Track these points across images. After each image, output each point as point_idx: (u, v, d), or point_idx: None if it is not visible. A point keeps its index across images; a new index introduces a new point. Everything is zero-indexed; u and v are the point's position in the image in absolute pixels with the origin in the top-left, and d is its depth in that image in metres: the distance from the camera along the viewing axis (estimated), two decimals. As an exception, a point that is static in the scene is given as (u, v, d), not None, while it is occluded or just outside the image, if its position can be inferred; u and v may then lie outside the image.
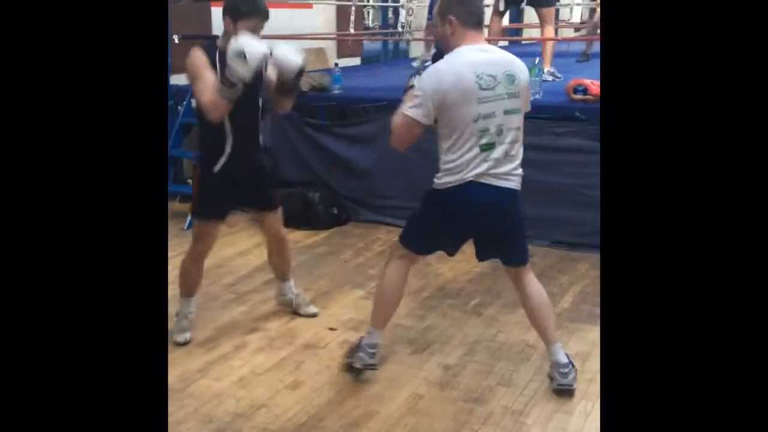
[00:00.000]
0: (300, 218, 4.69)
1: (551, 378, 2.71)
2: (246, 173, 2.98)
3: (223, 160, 2.90)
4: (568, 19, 11.48)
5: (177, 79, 5.10)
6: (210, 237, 3.03)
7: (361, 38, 7.78)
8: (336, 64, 5.57)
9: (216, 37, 2.87)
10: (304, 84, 4.97)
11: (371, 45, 8.49)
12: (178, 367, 2.86)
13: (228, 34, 2.77)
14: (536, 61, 4.39)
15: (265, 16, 2.82)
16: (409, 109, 2.45)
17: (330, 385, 2.74)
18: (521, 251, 2.73)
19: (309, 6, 7.32)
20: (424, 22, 7.19)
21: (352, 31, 6.83)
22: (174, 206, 5.16)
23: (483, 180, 2.47)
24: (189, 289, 3.12)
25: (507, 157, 2.50)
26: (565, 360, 2.68)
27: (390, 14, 10.34)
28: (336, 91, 4.97)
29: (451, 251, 2.78)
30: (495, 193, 2.51)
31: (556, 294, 3.61)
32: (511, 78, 2.46)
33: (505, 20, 7.35)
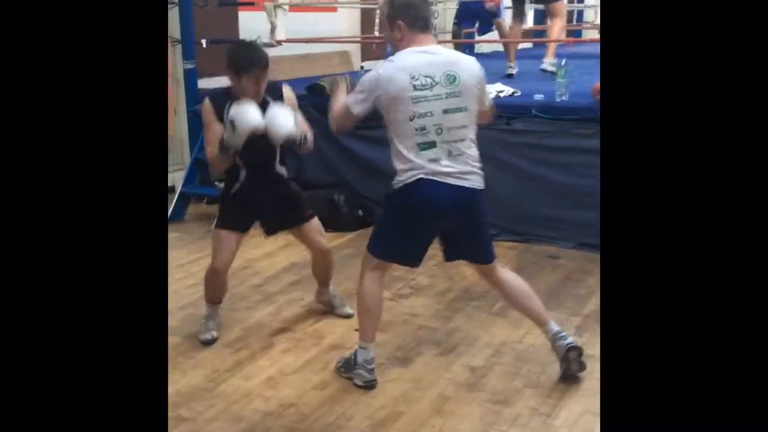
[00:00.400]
0: (325, 220, 4.68)
1: (557, 349, 2.76)
2: (264, 201, 3.06)
3: (237, 187, 3.03)
4: (593, 21, 11.40)
5: (205, 83, 5.17)
6: (226, 251, 3.05)
7: (376, 41, 7.80)
8: (362, 67, 5.59)
9: (228, 88, 2.98)
10: (329, 87, 5.02)
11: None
12: (207, 366, 2.90)
13: (234, 87, 2.89)
14: (563, 63, 4.38)
15: (265, 66, 2.87)
16: (349, 97, 2.62)
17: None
18: (486, 251, 2.76)
19: (333, 10, 7.37)
20: (449, 24, 7.20)
21: (377, 33, 6.85)
22: (202, 208, 5.23)
23: (435, 178, 2.52)
24: (213, 297, 3.19)
25: (451, 156, 2.53)
26: (560, 328, 2.79)
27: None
28: (361, 94, 4.98)
29: (413, 259, 2.77)
30: (450, 191, 2.54)
31: (583, 296, 3.60)
32: (451, 78, 2.52)
33: (530, 22, 7.33)
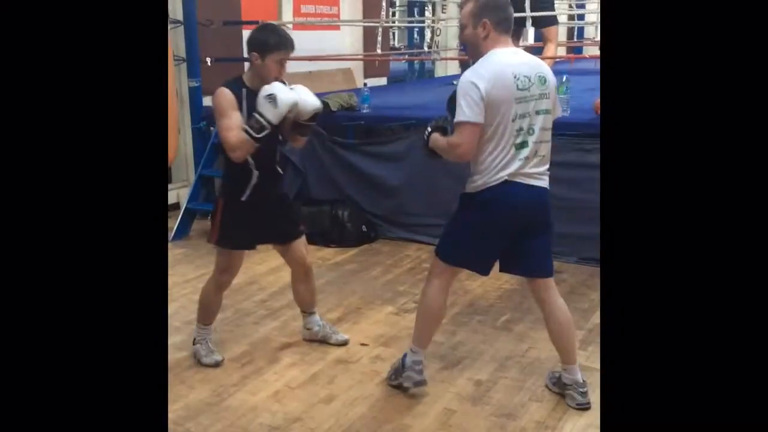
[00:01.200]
0: (329, 236, 4.76)
1: (568, 396, 2.72)
2: (271, 202, 2.98)
3: (249, 190, 2.89)
4: (594, 38, 11.48)
5: (209, 101, 5.21)
6: (235, 267, 3.02)
7: (388, 59, 7.88)
8: (365, 84, 5.65)
9: (239, 78, 2.87)
10: (334, 104, 5.07)
11: (397, 65, 8.59)
12: (214, 381, 2.92)
13: (256, 68, 2.80)
14: (563, 79, 4.42)
15: (292, 47, 2.83)
16: (464, 114, 2.44)
17: (363, 399, 2.77)
18: (548, 261, 2.72)
19: (336, 28, 7.45)
20: (450, 42, 7.28)
21: (379, 51, 6.92)
22: (207, 224, 5.25)
23: (518, 179, 2.52)
24: (208, 317, 3.11)
25: (536, 156, 2.54)
26: (582, 380, 2.72)
27: (416, 35, 10.44)
28: (365, 111, 5.04)
29: (486, 266, 2.69)
30: (530, 191, 2.55)
31: (586, 310, 3.62)
32: (542, 79, 2.53)
33: (530, 39, 7.41)
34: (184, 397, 2.79)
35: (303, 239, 3.12)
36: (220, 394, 2.83)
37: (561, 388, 2.76)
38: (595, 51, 10.13)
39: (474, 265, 2.72)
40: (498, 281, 3.97)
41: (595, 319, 3.50)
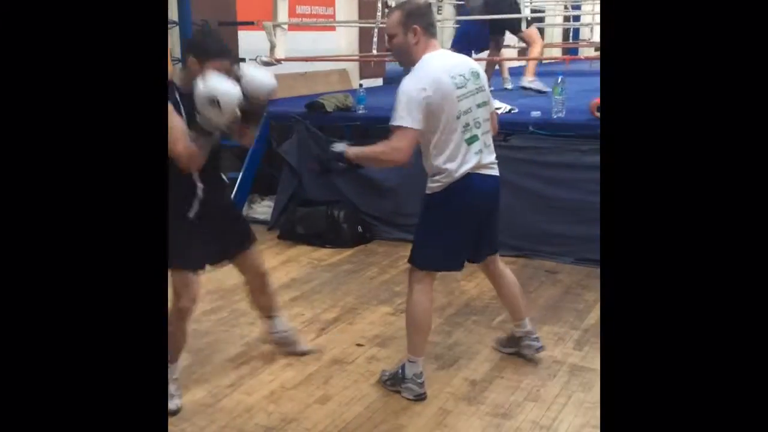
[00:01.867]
0: (324, 236, 4.75)
1: (525, 347, 3.02)
2: (220, 212, 2.73)
3: (196, 204, 2.60)
4: (589, 39, 11.52)
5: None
6: (194, 288, 2.65)
7: (384, 59, 7.88)
8: (360, 85, 5.65)
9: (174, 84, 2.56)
10: (330, 105, 5.07)
11: (393, 65, 8.58)
12: (209, 382, 2.91)
13: (190, 72, 2.50)
14: (559, 80, 4.43)
15: (235, 60, 2.64)
16: (401, 120, 2.52)
17: (358, 399, 2.77)
18: (497, 237, 2.95)
19: (332, 29, 7.45)
20: (446, 43, 7.28)
21: (374, 52, 6.93)
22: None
23: (479, 171, 2.64)
24: (174, 353, 2.68)
25: (486, 147, 2.68)
26: (533, 328, 3.04)
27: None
28: (360, 111, 5.04)
29: (457, 262, 2.80)
30: (486, 182, 2.69)
31: (581, 310, 3.62)
32: (476, 74, 2.65)
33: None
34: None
35: (256, 247, 2.93)
36: (216, 394, 2.82)
37: (514, 344, 3.05)
38: (590, 52, 10.19)
39: (447, 263, 2.80)
40: (494, 282, 3.98)
41: (591, 319, 3.51)
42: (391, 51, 2.70)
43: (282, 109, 5.18)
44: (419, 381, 2.75)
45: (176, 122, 2.43)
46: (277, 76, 6.28)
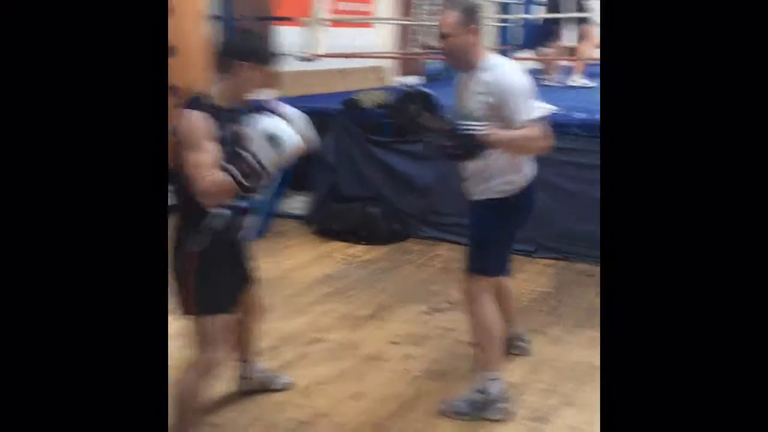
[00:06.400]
0: (359, 233, 4.73)
1: (519, 346, 3.06)
2: (238, 243, 2.36)
3: (223, 234, 2.23)
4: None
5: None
6: (227, 336, 2.29)
7: (419, 57, 7.84)
8: (403, 84, 5.61)
9: (203, 95, 2.19)
10: (367, 102, 5.04)
11: (433, 63, 8.55)
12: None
13: (236, 82, 2.17)
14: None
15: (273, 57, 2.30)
16: (535, 113, 2.45)
17: (393, 397, 2.73)
18: None
19: (370, 26, 7.43)
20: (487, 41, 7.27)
21: (415, 49, 6.90)
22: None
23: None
24: (184, 425, 2.24)
25: None
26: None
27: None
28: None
29: (507, 266, 2.79)
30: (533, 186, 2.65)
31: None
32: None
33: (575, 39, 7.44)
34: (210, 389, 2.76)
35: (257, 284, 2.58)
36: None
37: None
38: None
39: (505, 268, 2.78)
40: (532, 284, 3.91)
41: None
42: (445, 51, 2.51)
43: (320, 106, 5.16)
44: (506, 396, 2.62)
45: (204, 156, 2.05)
46: (314, 72, 6.30)
